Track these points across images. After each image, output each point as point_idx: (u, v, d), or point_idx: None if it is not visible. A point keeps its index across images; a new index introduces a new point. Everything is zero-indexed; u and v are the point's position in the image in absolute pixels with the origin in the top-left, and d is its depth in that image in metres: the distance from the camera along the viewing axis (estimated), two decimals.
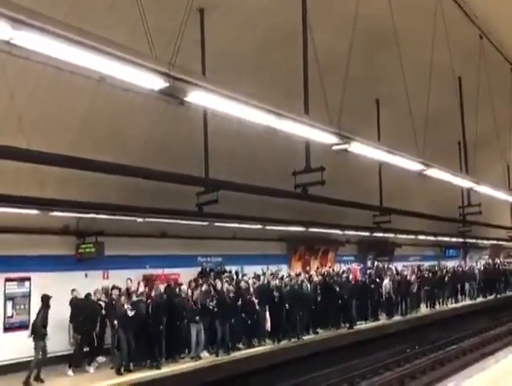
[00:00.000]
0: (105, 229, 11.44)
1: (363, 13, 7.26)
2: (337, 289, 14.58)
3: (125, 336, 9.74)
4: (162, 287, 10.96)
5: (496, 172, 15.86)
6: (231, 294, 11.49)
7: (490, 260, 29.32)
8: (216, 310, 11.16)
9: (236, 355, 11.29)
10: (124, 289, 10.62)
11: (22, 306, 10.80)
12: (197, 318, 10.80)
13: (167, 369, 10.02)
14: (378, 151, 7.18)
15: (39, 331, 9.20)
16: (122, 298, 10.04)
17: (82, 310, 10.08)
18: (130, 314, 9.76)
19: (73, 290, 10.36)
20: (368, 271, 18.33)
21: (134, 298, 10.20)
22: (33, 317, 10.65)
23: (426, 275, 19.92)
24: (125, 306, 9.80)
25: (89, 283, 10.99)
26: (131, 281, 11.06)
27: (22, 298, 10.80)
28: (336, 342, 13.78)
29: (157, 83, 4.08)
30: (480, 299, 23.32)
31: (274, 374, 11.42)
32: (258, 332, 12.31)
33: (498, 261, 29.20)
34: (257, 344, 12.13)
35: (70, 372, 9.71)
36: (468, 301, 22.53)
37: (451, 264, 24.98)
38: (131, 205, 9.47)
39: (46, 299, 9.43)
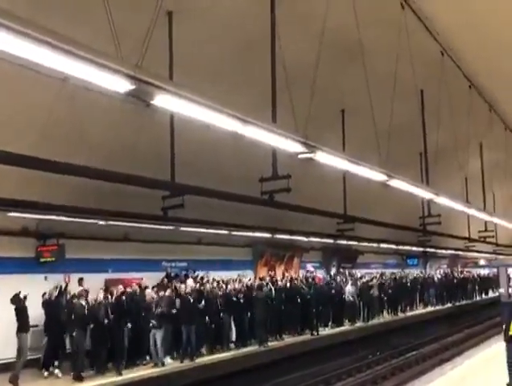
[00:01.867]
0: (66, 231, 11.17)
1: (330, 26, 7.43)
2: (303, 292, 14.78)
3: (81, 338, 9.55)
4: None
5: (455, 184, 16.46)
6: (193, 295, 11.41)
7: (448, 269, 30.36)
8: (180, 314, 11.09)
9: (200, 361, 11.22)
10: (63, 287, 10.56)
11: None
12: (159, 323, 10.66)
13: (130, 375, 9.85)
14: (343, 161, 7.35)
15: (25, 327, 9.39)
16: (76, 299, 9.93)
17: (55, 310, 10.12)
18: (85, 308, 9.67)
19: (44, 294, 10.31)
20: (332, 276, 18.72)
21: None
22: None
23: (388, 282, 20.44)
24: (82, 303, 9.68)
25: (49, 286, 10.68)
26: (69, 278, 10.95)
27: None
28: (299, 348, 13.91)
29: (122, 85, 4.05)
30: (438, 307, 24.06)
31: (237, 380, 11.40)
32: (222, 339, 12.29)
33: (456, 270, 30.28)
34: (220, 350, 12.10)
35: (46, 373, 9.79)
36: (427, 309, 23.21)
37: (412, 272, 25.68)
38: (93, 207, 9.29)
39: (17, 297, 9.48)
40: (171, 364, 10.77)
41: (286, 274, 17.31)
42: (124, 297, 10.63)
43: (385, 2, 9.07)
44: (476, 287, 29.60)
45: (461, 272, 30.69)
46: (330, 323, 16.47)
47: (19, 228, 10.80)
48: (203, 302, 11.62)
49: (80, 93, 8.15)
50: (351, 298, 17.28)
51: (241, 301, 12.76)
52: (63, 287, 10.54)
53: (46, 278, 11.21)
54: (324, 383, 12.60)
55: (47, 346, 10.20)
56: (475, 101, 13.27)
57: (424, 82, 11.49)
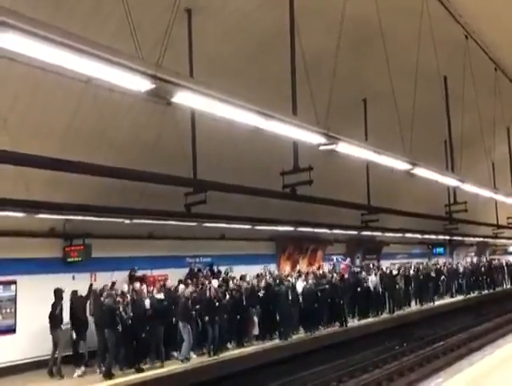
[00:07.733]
0: (92, 231, 11.33)
1: (350, 13, 7.28)
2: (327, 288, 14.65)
3: (114, 337, 9.66)
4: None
5: (481, 170, 16.07)
6: (220, 294, 11.49)
7: (476, 258, 29.70)
8: (204, 310, 11.15)
9: (225, 355, 11.28)
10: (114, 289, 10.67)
11: (8, 310, 10.66)
12: (185, 318, 10.74)
13: (158, 371, 9.97)
14: (365, 151, 7.21)
15: (58, 322, 9.79)
16: (103, 296, 10.08)
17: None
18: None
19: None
20: (355, 269, 18.52)
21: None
22: (19, 321, 10.58)
23: (414, 272, 20.12)
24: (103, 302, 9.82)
25: (77, 286, 10.84)
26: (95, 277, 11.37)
27: (8, 302, 10.67)
28: (325, 341, 13.84)
29: (144, 84, 4.04)
30: (466, 296, 23.59)
31: (264, 373, 11.42)
32: (246, 334, 12.32)
33: (484, 259, 29.60)
34: (246, 344, 12.13)
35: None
36: (455, 298, 22.80)
37: (440, 261, 25.22)
38: (118, 206, 9.39)
39: (59, 293, 9.95)
40: (196, 359, 10.81)
41: (309, 269, 17.19)
42: (162, 294, 10.78)
43: None
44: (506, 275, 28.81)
45: (491, 259, 29.90)
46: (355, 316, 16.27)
47: (47, 229, 11.00)
48: (227, 297, 11.66)
49: (103, 94, 8.22)
50: (374, 288, 17.02)
51: (263, 295, 12.73)
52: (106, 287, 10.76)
53: (74, 278, 11.41)
54: (349, 375, 12.48)
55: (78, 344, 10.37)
56: (501, 84, 12.88)
57: (448, 67, 11.20)
